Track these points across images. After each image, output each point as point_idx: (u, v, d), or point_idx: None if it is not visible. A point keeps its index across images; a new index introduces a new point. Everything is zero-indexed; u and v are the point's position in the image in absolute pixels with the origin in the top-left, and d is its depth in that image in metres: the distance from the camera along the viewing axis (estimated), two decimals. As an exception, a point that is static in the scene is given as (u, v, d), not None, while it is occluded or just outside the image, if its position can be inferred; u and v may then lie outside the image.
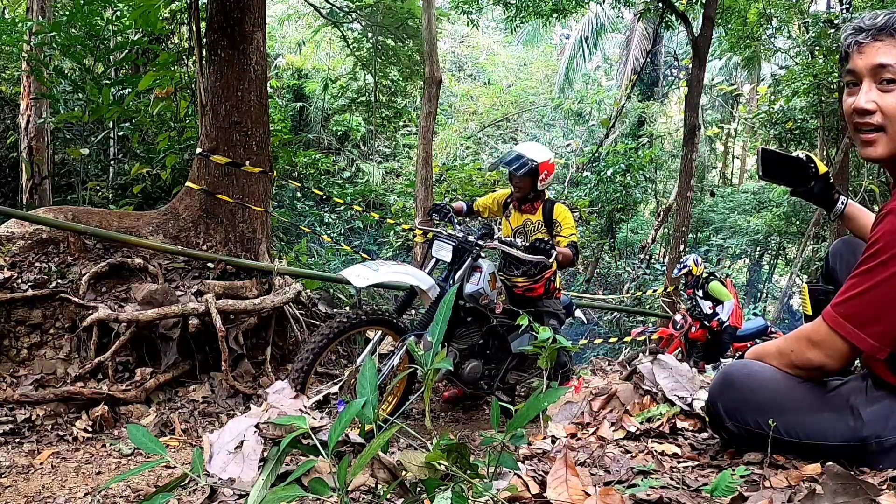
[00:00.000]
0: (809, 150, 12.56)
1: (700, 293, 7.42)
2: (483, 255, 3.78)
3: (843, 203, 1.82)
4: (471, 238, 3.70)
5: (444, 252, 3.66)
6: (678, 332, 7.12)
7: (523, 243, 3.74)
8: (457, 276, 3.61)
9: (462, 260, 3.64)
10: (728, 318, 7.01)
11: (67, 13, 6.36)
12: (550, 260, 3.64)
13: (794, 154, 1.80)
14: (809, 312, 1.94)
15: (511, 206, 4.27)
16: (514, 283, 4.15)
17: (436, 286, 3.54)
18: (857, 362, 1.92)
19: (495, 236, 3.88)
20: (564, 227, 3.98)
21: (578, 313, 4.80)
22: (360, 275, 3.27)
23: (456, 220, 3.90)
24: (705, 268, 7.49)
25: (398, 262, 3.64)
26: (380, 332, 3.47)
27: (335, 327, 3.24)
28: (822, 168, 1.80)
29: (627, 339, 8.36)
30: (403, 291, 3.98)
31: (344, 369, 3.46)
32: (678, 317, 7.32)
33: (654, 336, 7.42)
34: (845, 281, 1.40)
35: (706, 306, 7.31)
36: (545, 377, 2.24)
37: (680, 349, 7.07)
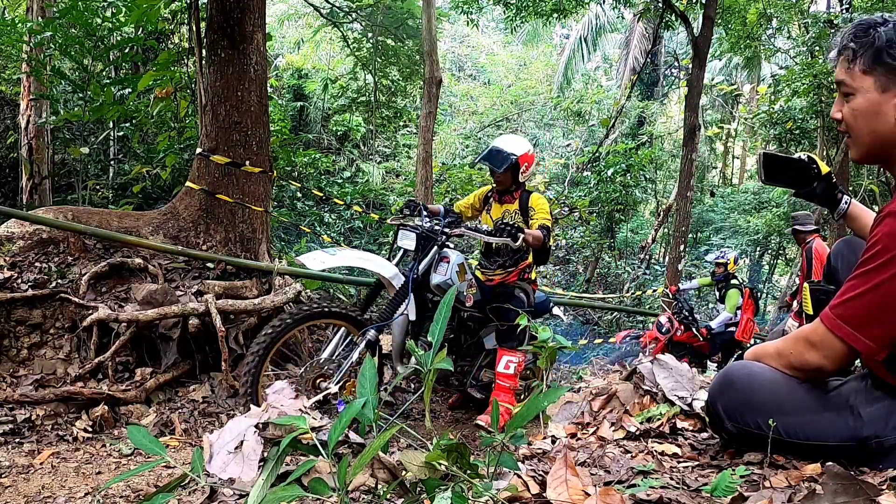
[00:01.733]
0: (809, 150, 12.59)
1: (718, 294, 7.38)
2: (451, 245, 3.70)
3: (846, 203, 1.82)
4: (436, 227, 3.61)
5: (407, 241, 3.58)
6: (664, 335, 7.05)
7: (488, 228, 3.65)
8: (421, 265, 3.51)
9: (427, 248, 3.55)
10: (718, 329, 7.01)
11: (61, 11, 6.34)
12: (517, 243, 3.50)
13: (796, 156, 1.80)
14: (811, 312, 1.94)
15: (492, 199, 4.17)
16: (491, 277, 4.03)
17: (399, 275, 3.46)
18: (857, 362, 1.92)
19: (462, 224, 3.82)
20: (538, 213, 3.87)
21: (557, 311, 4.68)
22: (317, 259, 3.24)
23: (426, 215, 3.79)
24: (737, 268, 7.48)
25: (360, 251, 3.60)
26: (342, 327, 3.37)
27: (286, 320, 3.16)
28: (825, 168, 1.81)
29: (612, 340, 8.35)
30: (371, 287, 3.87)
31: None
32: (663, 319, 7.24)
33: (641, 339, 7.37)
34: (844, 282, 1.40)
35: (721, 308, 7.28)
36: (545, 377, 2.24)
37: (663, 352, 7.03)
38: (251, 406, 2.98)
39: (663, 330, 7.06)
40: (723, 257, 7.29)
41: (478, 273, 4.12)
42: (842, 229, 9.12)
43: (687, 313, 7.13)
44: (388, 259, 3.63)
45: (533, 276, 4.14)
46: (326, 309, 3.31)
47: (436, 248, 3.56)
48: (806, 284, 1.96)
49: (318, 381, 3.23)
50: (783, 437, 1.47)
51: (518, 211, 3.96)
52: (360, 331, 3.34)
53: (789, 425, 1.47)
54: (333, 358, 3.33)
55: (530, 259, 4.06)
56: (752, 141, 19.16)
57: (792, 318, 7.02)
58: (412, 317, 3.45)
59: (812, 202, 1.88)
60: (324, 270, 4.16)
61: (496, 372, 3.80)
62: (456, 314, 3.81)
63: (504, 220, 3.90)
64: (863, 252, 1.36)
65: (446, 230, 3.60)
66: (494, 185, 4.04)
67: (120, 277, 4.20)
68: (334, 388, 3.13)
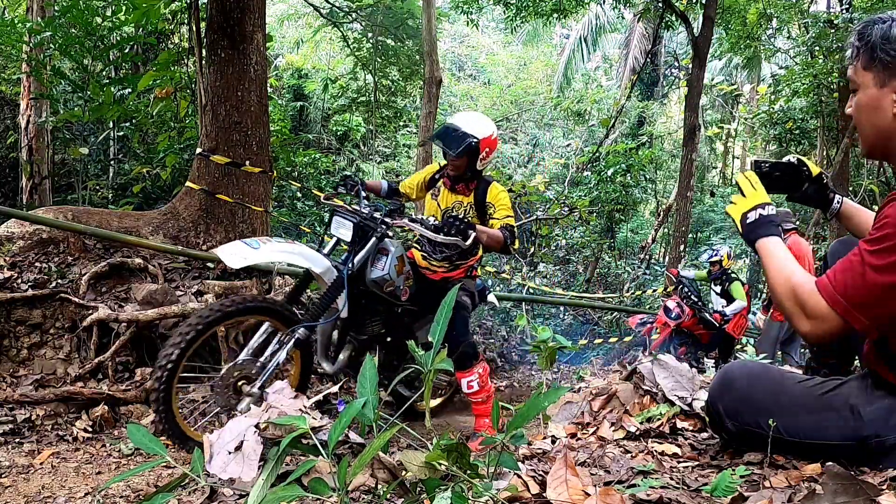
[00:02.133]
0: (809, 150, 12.59)
1: (718, 288, 7.29)
2: (390, 234, 3.28)
3: (838, 202, 1.83)
4: (376, 214, 3.20)
5: (343, 230, 3.18)
6: (673, 321, 6.92)
7: (434, 222, 3.17)
8: (357, 258, 3.14)
9: (365, 239, 3.17)
10: (732, 316, 6.93)
11: (61, 10, 6.35)
12: (467, 242, 3.03)
13: (786, 159, 1.81)
14: None
15: (441, 183, 3.56)
16: (433, 269, 3.60)
17: (332, 268, 3.09)
18: (856, 362, 1.92)
19: (406, 213, 3.36)
20: (498, 209, 3.34)
21: (491, 297, 4.26)
22: (236, 253, 2.80)
23: (364, 196, 3.37)
24: (732, 262, 7.45)
25: (288, 241, 3.20)
26: (267, 323, 3.03)
27: (195, 325, 2.77)
28: (815, 170, 1.82)
29: (627, 338, 8.31)
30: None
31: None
32: (671, 304, 7.08)
33: (655, 325, 7.22)
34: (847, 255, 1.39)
35: (719, 303, 7.21)
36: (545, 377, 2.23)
37: (667, 337, 6.90)
38: (171, 434, 2.75)
39: (672, 315, 6.94)
40: (716, 255, 7.26)
41: (417, 256, 3.66)
42: (841, 228, 9.11)
43: (695, 298, 7.05)
44: (320, 247, 3.25)
45: (479, 270, 3.74)
46: (246, 305, 2.92)
47: (374, 240, 3.18)
48: None
49: (240, 384, 2.88)
50: (783, 436, 1.47)
51: (472, 205, 3.45)
52: (287, 327, 3.01)
53: (789, 424, 1.47)
54: (257, 358, 2.99)
55: (480, 254, 3.62)
56: (752, 141, 19.16)
57: (762, 312, 7.01)
58: (343, 313, 3.13)
59: (807, 205, 1.89)
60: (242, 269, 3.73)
61: (465, 394, 3.56)
62: (388, 309, 3.43)
63: (453, 213, 3.40)
64: (871, 230, 1.36)
65: (387, 220, 3.18)
66: (446, 168, 3.50)
67: (120, 277, 4.20)
68: (256, 391, 2.81)
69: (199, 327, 2.78)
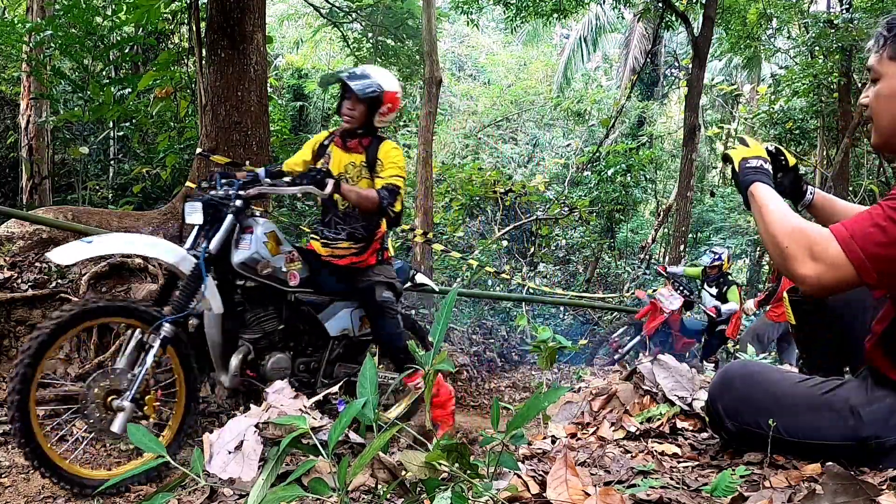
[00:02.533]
0: (809, 150, 12.59)
1: (714, 290, 7.30)
2: (257, 213, 2.99)
3: (811, 193, 1.82)
4: (230, 192, 2.88)
5: (195, 214, 2.83)
6: (668, 309, 6.89)
7: (288, 178, 2.94)
8: (214, 242, 2.77)
9: (220, 219, 2.83)
10: (727, 313, 6.95)
11: (62, 9, 6.36)
12: (325, 190, 2.77)
13: (763, 145, 1.80)
14: (793, 322, 1.92)
15: (334, 144, 3.27)
16: (339, 255, 3.24)
17: (188, 257, 2.73)
18: (846, 370, 1.91)
19: (262, 181, 3.06)
20: (386, 167, 3.05)
21: (421, 278, 3.79)
22: (68, 252, 2.48)
23: (224, 183, 3.04)
24: (731, 265, 7.55)
25: (134, 233, 2.83)
26: (136, 328, 2.67)
27: (44, 331, 2.39)
28: (792, 160, 1.82)
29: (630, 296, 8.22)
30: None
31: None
32: (665, 291, 7.02)
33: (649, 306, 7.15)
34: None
35: (711, 303, 7.23)
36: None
37: (660, 325, 6.88)
38: (41, 466, 2.33)
39: (672, 308, 6.93)
40: (718, 259, 7.30)
41: (317, 246, 3.29)
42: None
43: (688, 292, 7.07)
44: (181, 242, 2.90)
45: (391, 250, 3.37)
46: (98, 307, 2.53)
47: (231, 217, 2.82)
48: (785, 294, 1.92)
49: (109, 398, 2.52)
50: (783, 436, 1.47)
51: (365, 164, 3.15)
52: (151, 327, 2.63)
53: (789, 424, 1.47)
54: (125, 367, 2.62)
55: (384, 227, 3.25)
56: (752, 141, 19.10)
57: (754, 304, 7.05)
58: (216, 309, 2.78)
59: (782, 196, 1.88)
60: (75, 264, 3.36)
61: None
62: (279, 299, 3.05)
63: (347, 175, 3.16)
64: (891, 191, 1.34)
65: (241, 193, 2.86)
66: (335, 131, 3.29)
67: (120, 277, 4.21)
68: (128, 405, 2.49)
69: (41, 339, 2.38)
